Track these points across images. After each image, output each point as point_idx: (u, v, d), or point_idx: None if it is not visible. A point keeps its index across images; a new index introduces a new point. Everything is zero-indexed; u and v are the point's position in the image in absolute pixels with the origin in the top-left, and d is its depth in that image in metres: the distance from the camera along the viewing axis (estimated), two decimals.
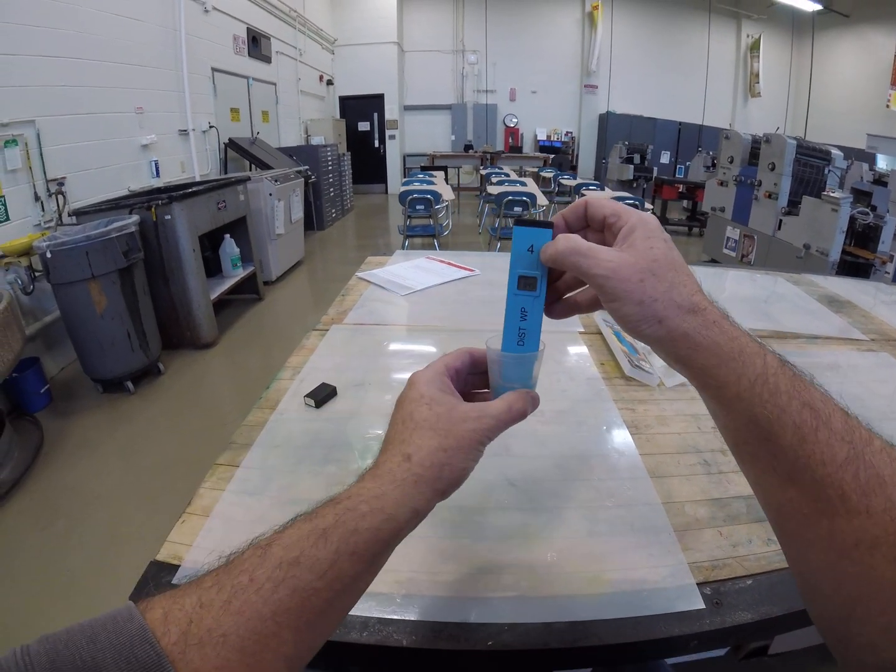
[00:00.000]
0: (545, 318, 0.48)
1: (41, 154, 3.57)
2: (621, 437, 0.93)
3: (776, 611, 0.61)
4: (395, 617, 0.60)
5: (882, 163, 9.26)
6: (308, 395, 1.01)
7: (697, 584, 0.65)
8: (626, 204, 0.48)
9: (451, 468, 0.41)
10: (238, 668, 0.32)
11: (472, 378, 0.51)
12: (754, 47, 12.91)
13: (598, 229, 0.46)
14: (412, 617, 0.60)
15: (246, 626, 0.32)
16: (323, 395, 1.01)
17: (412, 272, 1.80)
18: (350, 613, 0.60)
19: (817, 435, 0.34)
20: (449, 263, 1.87)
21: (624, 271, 0.40)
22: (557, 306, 0.50)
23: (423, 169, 9.91)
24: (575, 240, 0.43)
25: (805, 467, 0.35)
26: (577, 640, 0.57)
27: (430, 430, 0.42)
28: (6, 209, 3.29)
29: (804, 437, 0.35)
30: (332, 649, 0.59)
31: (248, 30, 7.24)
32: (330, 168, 8.63)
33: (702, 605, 0.62)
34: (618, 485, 0.81)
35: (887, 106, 10.60)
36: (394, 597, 0.62)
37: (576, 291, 0.49)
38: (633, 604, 0.61)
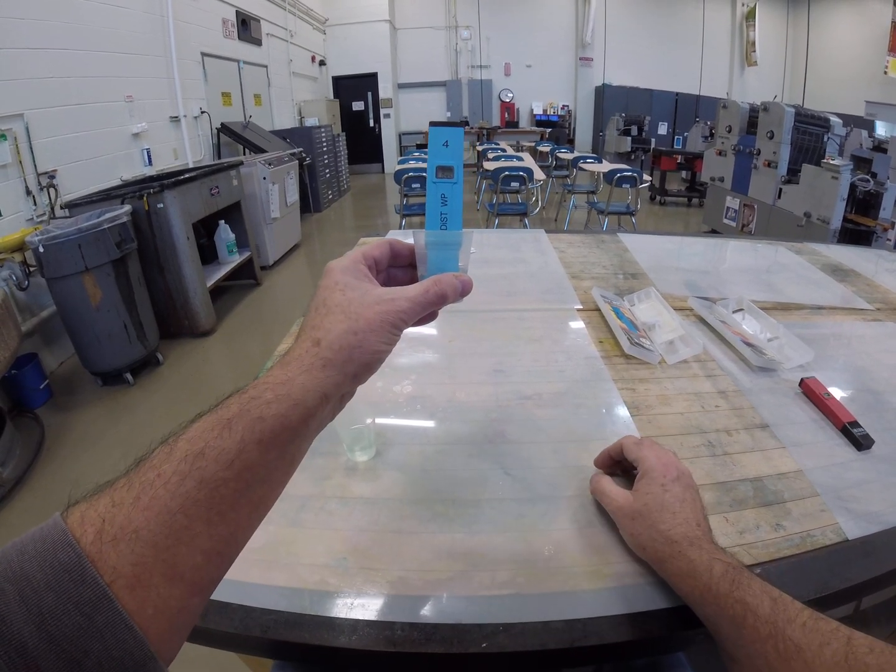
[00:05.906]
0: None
1: (31, 147, 3.53)
2: (621, 419, 0.89)
3: None
4: (384, 619, 0.57)
5: (881, 129, 9.11)
6: None
7: None
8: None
9: (362, 350, 0.41)
10: (154, 564, 0.32)
11: (397, 273, 0.52)
12: (750, 16, 12.67)
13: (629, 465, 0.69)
14: (402, 619, 0.57)
15: (156, 521, 0.32)
16: None
17: None
18: (338, 616, 0.57)
19: (745, 621, 0.46)
20: None
21: (622, 511, 0.62)
22: None
23: (419, 147, 9.79)
24: (599, 482, 0.68)
25: (741, 646, 0.47)
26: (576, 640, 0.54)
27: (341, 313, 0.42)
28: None
29: (738, 625, 0.47)
30: (319, 653, 0.56)
31: (237, 13, 7.11)
32: (325, 149, 8.53)
33: None
34: None
35: (885, 72, 10.41)
36: (384, 598, 0.59)
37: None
38: (634, 598, 0.58)
